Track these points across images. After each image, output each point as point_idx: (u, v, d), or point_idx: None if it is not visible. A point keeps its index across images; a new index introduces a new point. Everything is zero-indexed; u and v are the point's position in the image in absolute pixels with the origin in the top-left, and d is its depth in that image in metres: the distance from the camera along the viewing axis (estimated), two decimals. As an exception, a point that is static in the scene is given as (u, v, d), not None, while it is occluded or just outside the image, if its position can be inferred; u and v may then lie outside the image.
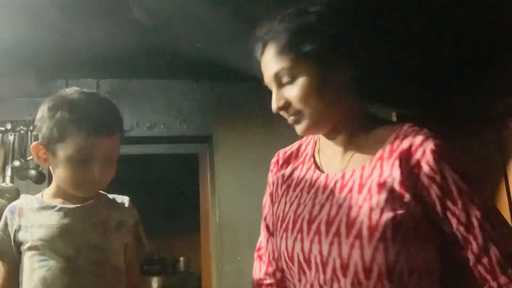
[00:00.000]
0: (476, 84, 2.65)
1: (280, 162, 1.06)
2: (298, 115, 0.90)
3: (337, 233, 0.83)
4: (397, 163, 0.83)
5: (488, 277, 0.80)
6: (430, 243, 0.84)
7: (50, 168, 1.12)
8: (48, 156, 1.09)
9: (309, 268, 0.86)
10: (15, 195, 2.30)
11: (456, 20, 2.08)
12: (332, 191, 0.89)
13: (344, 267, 0.81)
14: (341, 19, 0.90)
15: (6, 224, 1.11)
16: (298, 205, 0.93)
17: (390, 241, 0.78)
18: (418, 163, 0.82)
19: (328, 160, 0.97)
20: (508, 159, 2.66)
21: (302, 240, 0.87)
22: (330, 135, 0.96)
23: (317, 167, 0.98)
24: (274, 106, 0.92)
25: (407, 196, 0.81)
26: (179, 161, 3.19)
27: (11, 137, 2.45)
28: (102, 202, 1.17)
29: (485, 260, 0.79)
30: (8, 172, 2.41)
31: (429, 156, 0.81)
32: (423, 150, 0.82)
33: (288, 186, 1.00)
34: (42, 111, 1.09)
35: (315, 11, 0.89)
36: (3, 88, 2.45)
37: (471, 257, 0.81)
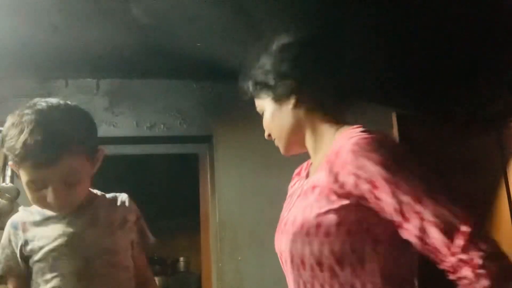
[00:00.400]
0: (476, 84, 2.65)
1: (293, 175, 1.21)
2: (275, 140, 1.11)
3: (287, 231, 0.97)
4: (327, 166, 0.92)
5: (440, 256, 0.80)
6: (364, 237, 0.87)
7: None
8: None
9: (282, 261, 1.02)
10: (15, 195, 2.29)
11: (455, 19, 2.08)
12: (299, 196, 1.03)
13: (291, 260, 0.95)
14: (284, 64, 1.04)
15: (10, 240, 1.10)
16: (285, 210, 1.08)
17: (313, 236, 0.89)
18: (343, 165, 0.88)
19: (313, 168, 1.09)
20: (508, 159, 2.66)
21: (277, 239, 1.04)
22: (308, 148, 1.09)
23: (308, 175, 1.10)
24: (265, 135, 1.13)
25: (332, 197, 0.89)
26: (179, 161, 3.19)
27: (11, 137, 2.45)
28: (103, 204, 1.17)
29: (429, 241, 0.80)
30: (8, 172, 2.40)
31: (350, 156, 0.87)
32: (345, 151, 0.89)
33: (289, 196, 1.14)
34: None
35: (264, 62, 1.06)
36: (3, 88, 2.45)
37: (416, 241, 0.82)
